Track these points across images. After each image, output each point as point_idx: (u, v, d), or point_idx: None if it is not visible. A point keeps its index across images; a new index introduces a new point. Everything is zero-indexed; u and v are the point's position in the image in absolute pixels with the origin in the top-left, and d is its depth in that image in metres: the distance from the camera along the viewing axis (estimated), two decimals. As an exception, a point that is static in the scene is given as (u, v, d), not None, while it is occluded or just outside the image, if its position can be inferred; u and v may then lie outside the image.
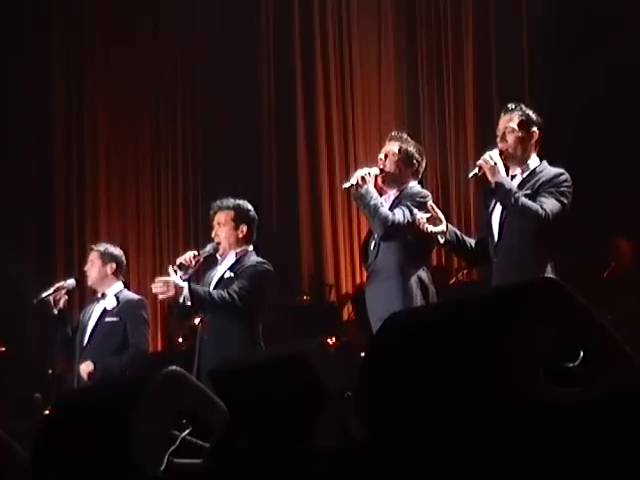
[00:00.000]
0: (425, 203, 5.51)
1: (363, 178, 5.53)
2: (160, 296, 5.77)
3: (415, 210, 5.47)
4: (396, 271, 5.48)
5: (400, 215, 5.46)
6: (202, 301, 5.72)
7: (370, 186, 5.53)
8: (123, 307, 6.56)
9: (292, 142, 12.14)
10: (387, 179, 5.66)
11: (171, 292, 5.69)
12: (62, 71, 12.21)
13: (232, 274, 5.90)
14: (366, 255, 5.77)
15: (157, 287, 5.72)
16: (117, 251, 6.79)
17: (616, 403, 2.49)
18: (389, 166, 5.67)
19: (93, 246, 6.89)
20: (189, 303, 5.71)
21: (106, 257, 6.67)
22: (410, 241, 5.49)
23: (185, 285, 5.70)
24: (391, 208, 5.57)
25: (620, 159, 9.94)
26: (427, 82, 11.92)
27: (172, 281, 5.69)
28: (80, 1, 12.30)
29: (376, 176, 5.62)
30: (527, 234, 4.97)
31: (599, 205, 9.76)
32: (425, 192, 5.68)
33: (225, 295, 5.75)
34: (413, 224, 5.42)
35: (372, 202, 5.46)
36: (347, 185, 5.61)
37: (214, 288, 5.92)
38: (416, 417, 2.89)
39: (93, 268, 6.67)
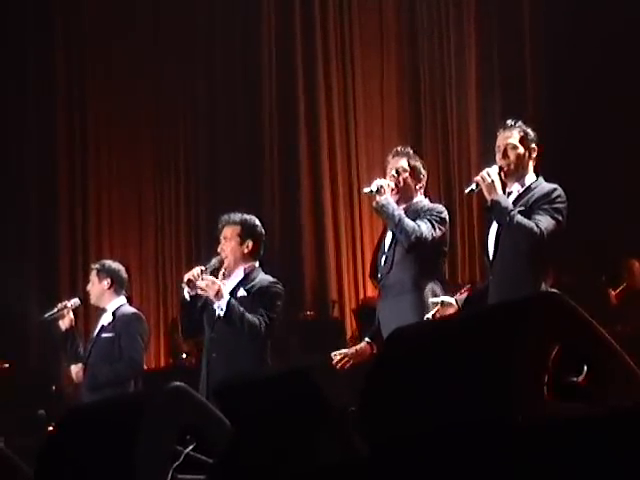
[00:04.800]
0: (444, 219, 5.56)
1: (382, 187, 5.54)
2: (199, 291, 5.73)
3: (437, 225, 5.50)
4: (410, 286, 5.47)
5: (425, 228, 5.47)
6: (234, 317, 5.70)
7: (388, 196, 5.54)
8: (118, 322, 6.62)
9: (294, 156, 12.15)
10: (401, 195, 5.67)
11: (211, 293, 5.68)
12: (64, 87, 12.22)
13: (245, 292, 5.87)
14: (375, 270, 5.76)
15: (202, 283, 5.69)
16: (114, 266, 6.82)
17: (620, 419, 2.49)
18: (400, 181, 5.67)
19: (92, 265, 6.95)
20: (221, 312, 5.70)
21: (102, 273, 6.73)
22: (424, 255, 5.49)
23: (227, 297, 5.71)
24: None
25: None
26: (429, 96, 11.95)
27: (219, 285, 5.69)
28: (81, 15, 12.31)
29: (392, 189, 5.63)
30: (522, 252, 4.97)
31: (614, 226, 9.86)
32: (441, 207, 5.70)
33: (254, 322, 5.73)
34: (435, 240, 5.47)
35: (395, 212, 5.48)
36: (367, 190, 5.61)
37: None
38: (419, 432, 2.89)
39: (93, 286, 6.75)
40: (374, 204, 5.59)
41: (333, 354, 5.68)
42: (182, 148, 12.54)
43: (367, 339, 5.72)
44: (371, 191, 5.57)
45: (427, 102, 11.96)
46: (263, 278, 5.93)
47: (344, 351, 5.72)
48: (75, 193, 12.13)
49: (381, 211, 5.55)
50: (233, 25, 12.40)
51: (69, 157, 12.18)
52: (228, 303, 5.69)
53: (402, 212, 5.53)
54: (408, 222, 5.47)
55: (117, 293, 6.73)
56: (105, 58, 12.29)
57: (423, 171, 5.77)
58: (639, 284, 9.53)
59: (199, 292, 5.74)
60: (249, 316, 5.72)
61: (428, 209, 5.61)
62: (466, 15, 11.74)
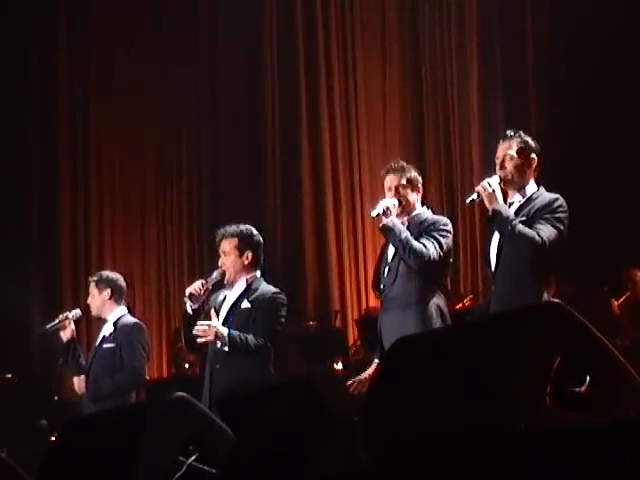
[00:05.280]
0: (449, 231, 5.56)
1: (388, 209, 5.53)
2: (199, 339, 5.78)
3: (442, 240, 5.49)
4: (415, 299, 5.46)
5: (432, 249, 5.45)
6: (239, 348, 5.75)
7: (394, 218, 5.53)
8: (119, 332, 6.63)
9: (297, 166, 12.15)
10: (404, 211, 5.66)
11: (211, 337, 5.73)
12: (67, 87, 12.23)
13: (249, 304, 5.87)
14: (378, 281, 5.74)
15: (199, 330, 5.75)
16: (112, 275, 6.85)
17: (623, 430, 2.49)
18: (404, 198, 5.66)
19: (90, 277, 6.95)
20: (226, 348, 5.75)
21: (101, 284, 6.74)
22: (430, 268, 5.48)
23: (225, 332, 5.74)
24: None
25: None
26: (431, 96, 11.95)
27: (214, 327, 5.73)
28: (85, 15, 12.34)
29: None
30: (524, 261, 4.97)
31: (616, 235, 9.83)
32: (445, 219, 5.68)
33: (260, 342, 5.77)
34: (441, 257, 5.47)
35: (403, 235, 5.45)
36: (374, 214, 5.59)
37: (227, 315, 5.90)
38: (421, 441, 2.89)
39: (93, 298, 6.76)
40: (380, 226, 5.58)
41: (348, 383, 5.68)
42: (185, 149, 12.55)
43: (377, 361, 5.68)
44: (378, 214, 5.55)
45: (429, 102, 11.96)
46: (266, 289, 5.93)
47: (357, 378, 5.71)
48: (77, 194, 12.14)
49: (388, 234, 5.53)
50: (235, 26, 12.41)
51: (71, 157, 12.19)
52: (230, 339, 5.72)
53: (408, 234, 5.49)
54: (415, 245, 5.44)
55: (117, 303, 6.74)
56: (108, 58, 12.32)
57: (419, 179, 5.75)
58: (640, 293, 9.47)
59: (199, 340, 5.78)
60: (252, 341, 5.75)
61: (432, 222, 5.59)
62: (468, 15, 11.74)
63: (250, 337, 5.76)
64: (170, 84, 12.43)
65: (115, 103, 12.34)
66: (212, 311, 5.84)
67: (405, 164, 5.79)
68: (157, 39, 12.45)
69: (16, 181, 11.76)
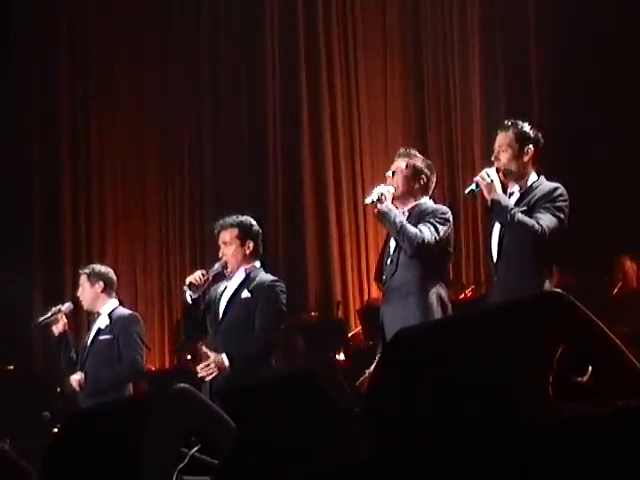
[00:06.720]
0: (448, 219, 5.53)
1: (383, 195, 5.53)
2: (207, 378, 5.80)
3: (440, 227, 5.48)
4: (416, 288, 5.43)
5: (428, 233, 5.43)
6: (245, 362, 5.75)
7: (389, 203, 5.52)
8: (115, 324, 6.63)
9: (298, 160, 12.15)
10: (396, 196, 5.64)
11: (215, 372, 5.76)
12: (68, 87, 12.24)
13: (249, 293, 5.88)
14: (381, 273, 5.74)
15: (202, 372, 5.79)
16: (104, 269, 6.85)
17: (625, 419, 2.49)
18: (398, 182, 5.65)
19: (80, 270, 6.95)
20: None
21: (93, 277, 6.73)
22: (429, 256, 5.47)
23: (225, 359, 5.74)
24: None
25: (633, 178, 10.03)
26: (433, 94, 11.94)
27: (212, 362, 5.75)
28: (84, 14, 12.33)
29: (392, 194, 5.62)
30: (525, 250, 4.97)
31: (607, 223, 9.81)
32: (444, 208, 5.65)
33: (266, 340, 5.80)
34: (439, 242, 5.44)
35: (397, 219, 5.44)
36: (368, 201, 5.58)
37: (227, 306, 5.91)
38: (423, 433, 2.89)
39: (84, 292, 6.75)
40: (375, 212, 5.57)
41: (359, 382, 5.68)
42: (186, 149, 12.56)
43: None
44: (372, 201, 5.55)
45: (431, 99, 11.96)
46: (264, 277, 5.95)
47: (368, 372, 5.70)
48: (78, 193, 12.14)
49: (383, 219, 5.52)
50: (236, 26, 12.41)
51: (73, 157, 12.20)
52: (231, 362, 5.74)
53: (404, 218, 5.48)
54: (410, 229, 5.43)
55: (109, 295, 6.75)
56: (108, 58, 12.31)
57: (426, 171, 5.71)
58: (632, 282, 9.36)
59: (207, 379, 5.80)
60: (255, 347, 5.77)
61: (431, 211, 5.57)
62: (470, 12, 11.74)
63: (251, 345, 5.78)
64: (170, 84, 12.42)
65: (115, 103, 12.33)
66: (203, 348, 5.87)
67: (416, 153, 5.78)
68: (157, 39, 12.45)
69: (18, 181, 11.77)
